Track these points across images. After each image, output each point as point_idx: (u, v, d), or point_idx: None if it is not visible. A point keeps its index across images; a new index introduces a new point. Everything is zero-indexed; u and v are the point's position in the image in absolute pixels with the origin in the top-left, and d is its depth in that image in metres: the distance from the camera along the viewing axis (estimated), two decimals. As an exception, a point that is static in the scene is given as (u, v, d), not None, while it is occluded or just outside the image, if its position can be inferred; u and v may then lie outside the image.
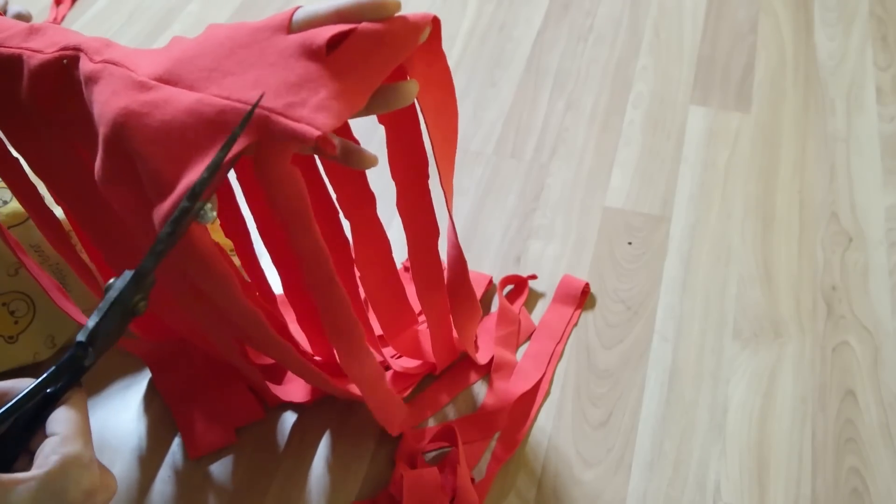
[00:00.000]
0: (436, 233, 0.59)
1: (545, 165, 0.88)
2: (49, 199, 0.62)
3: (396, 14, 0.43)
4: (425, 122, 0.50)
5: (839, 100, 0.94)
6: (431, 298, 0.61)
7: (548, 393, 0.69)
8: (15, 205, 0.64)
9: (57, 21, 1.07)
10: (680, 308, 0.75)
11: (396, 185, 0.56)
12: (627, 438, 0.66)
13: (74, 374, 0.42)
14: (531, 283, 0.77)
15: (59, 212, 0.65)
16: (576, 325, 0.74)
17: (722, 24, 1.05)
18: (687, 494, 0.63)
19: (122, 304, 0.41)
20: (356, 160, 0.44)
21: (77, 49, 0.45)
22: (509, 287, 0.77)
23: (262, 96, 0.41)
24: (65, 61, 0.45)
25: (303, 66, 0.42)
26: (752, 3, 1.07)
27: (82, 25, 1.07)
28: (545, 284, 0.77)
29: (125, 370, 0.70)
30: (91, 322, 0.40)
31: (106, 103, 0.43)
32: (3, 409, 0.41)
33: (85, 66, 0.45)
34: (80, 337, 0.40)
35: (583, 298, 0.75)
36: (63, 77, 0.46)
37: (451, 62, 0.99)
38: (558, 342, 0.72)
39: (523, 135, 0.91)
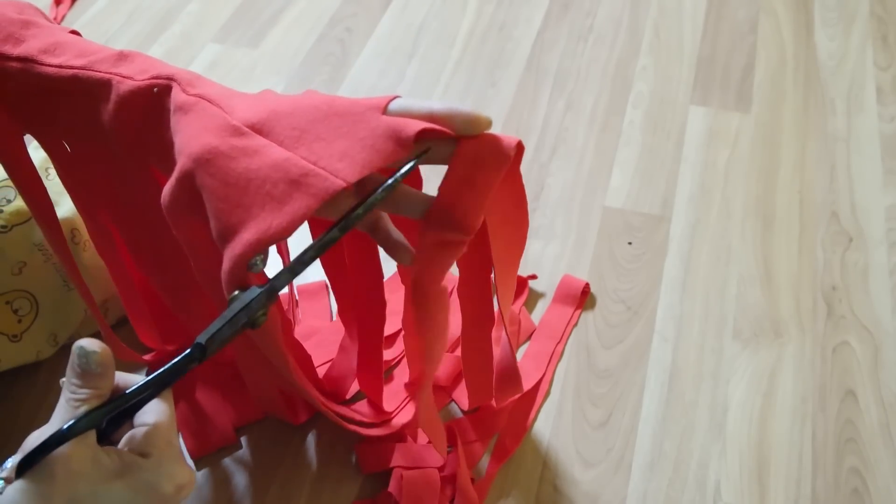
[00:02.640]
0: (490, 322, 0.60)
1: (545, 165, 0.88)
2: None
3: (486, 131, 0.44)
4: (490, 234, 0.50)
5: (839, 100, 0.94)
6: (477, 377, 0.63)
7: (548, 393, 0.69)
8: (19, 203, 0.64)
9: (57, 20, 1.07)
10: (680, 308, 0.75)
11: (459, 272, 0.57)
12: (627, 438, 0.66)
13: (178, 373, 0.42)
14: (531, 283, 0.77)
15: (59, 212, 0.65)
16: (576, 325, 0.74)
17: (722, 24, 1.05)
18: (687, 494, 0.63)
19: (247, 314, 0.42)
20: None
21: (170, 79, 0.47)
22: (509, 287, 0.77)
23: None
24: (155, 90, 0.47)
25: (391, 149, 0.43)
26: (752, 3, 1.07)
27: (82, 25, 1.07)
28: (545, 284, 0.77)
29: (124, 370, 0.70)
30: (214, 327, 0.41)
31: (194, 137, 0.44)
32: (130, 390, 0.41)
33: (177, 96, 0.46)
34: (201, 339, 0.41)
35: (583, 298, 0.75)
36: (152, 104, 0.47)
37: (451, 62, 1.00)
38: (558, 342, 0.72)
39: (523, 135, 0.91)
